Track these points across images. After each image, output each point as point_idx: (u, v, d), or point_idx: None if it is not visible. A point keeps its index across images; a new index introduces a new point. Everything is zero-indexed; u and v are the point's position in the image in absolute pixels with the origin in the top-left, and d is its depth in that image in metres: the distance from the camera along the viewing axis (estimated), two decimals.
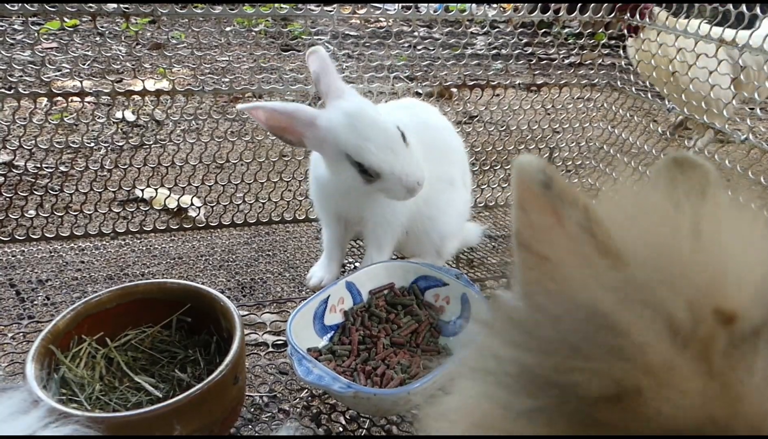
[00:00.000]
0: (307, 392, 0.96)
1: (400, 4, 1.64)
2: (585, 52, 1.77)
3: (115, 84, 1.27)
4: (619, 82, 1.65)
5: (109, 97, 1.25)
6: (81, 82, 1.27)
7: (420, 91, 1.63)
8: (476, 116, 1.83)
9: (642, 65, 1.62)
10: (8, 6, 1.11)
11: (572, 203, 0.30)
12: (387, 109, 1.17)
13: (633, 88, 1.60)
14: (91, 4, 1.14)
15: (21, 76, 1.31)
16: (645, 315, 0.25)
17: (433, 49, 1.57)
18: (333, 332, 1.00)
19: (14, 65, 1.28)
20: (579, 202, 0.30)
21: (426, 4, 1.38)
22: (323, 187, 1.09)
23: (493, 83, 1.54)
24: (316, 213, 1.21)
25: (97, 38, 1.34)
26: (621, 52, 1.65)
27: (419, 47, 1.56)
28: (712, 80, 1.28)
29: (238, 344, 0.80)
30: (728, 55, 1.44)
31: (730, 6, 1.18)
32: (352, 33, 2.69)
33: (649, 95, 1.54)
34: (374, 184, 0.97)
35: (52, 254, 1.33)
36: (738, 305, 0.25)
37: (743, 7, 1.15)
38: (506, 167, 1.68)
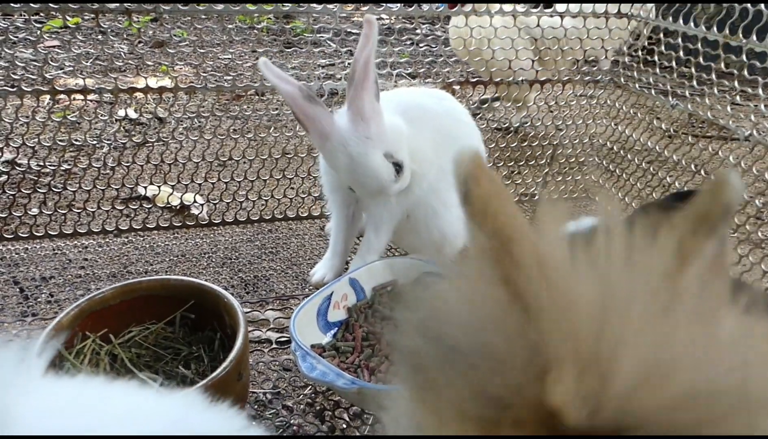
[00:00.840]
0: (310, 389, 0.97)
1: (402, 4, 1.64)
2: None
3: (117, 82, 1.27)
4: (622, 79, 1.64)
5: (111, 95, 1.25)
6: (84, 79, 1.27)
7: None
8: (478, 114, 1.83)
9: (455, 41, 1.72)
10: (12, 4, 1.11)
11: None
12: (413, 94, 1.19)
13: (637, 85, 1.59)
14: (93, 2, 1.14)
15: (23, 75, 1.32)
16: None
17: (436, 47, 1.57)
18: (336, 328, 1.00)
19: (17, 63, 1.29)
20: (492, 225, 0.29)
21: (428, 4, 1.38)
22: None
23: (495, 80, 1.54)
24: (324, 193, 1.23)
25: (99, 36, 1.35)
26: (624, 48, 1.64)
27: (422, 45, 1.56)
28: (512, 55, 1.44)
29: (242, 340, 0.80)
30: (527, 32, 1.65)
31: None
32: (354, 30, 2.69)
33: (653, 92, 1.53)
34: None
35: (56, 251, 1.34)
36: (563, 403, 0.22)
37: None
38: (509, 164, 1.68)
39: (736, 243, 1.26)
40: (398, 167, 1.02)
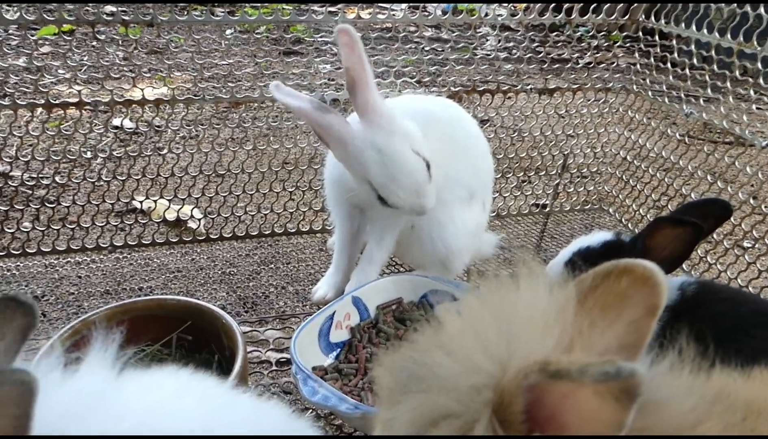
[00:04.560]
0: (312, 413, 0.97)
1: (407, 5, 1.66)
2: (599, 54, 1.78)
3: (113, 93, 1.29)
4: (635, 86, 1.65)
5: (107, 107, 1.27)
6: (79, 92, 1.29)
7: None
8: (487, 121, 1.84)
9: None
10: (5, 15, 1.13)
11: None
12: (418, 101, 1.20)
13: (650, 92, 1.60)
14: (88, 9, 1.16)
15: (17, 85, 1.34)
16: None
17: (442, 52, 1.58)
18: (339, 349, 1.00)
19: (10, 73, 1.31)
20: None
21: (434, 4, 1.39)
22: (339, 180, 1.11)
23: (503, 88, 1.55)
24: (327, 206, 1.23)
25: (94, 42, 1.37)
26: (636, 54, 1.65)
27: (426, 49, 1.57)
28: None
29: (241, 363, 0.81)
30: None
31: None
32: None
33: (666, 99, 1.54)
34: (387, 207, 1.03)
35: (48, 268, 1.35)
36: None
37: None
38: (518, 174, 1.68)
39: (757, 256, 1.26)
40: (427, 165, 1.01)
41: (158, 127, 1.80)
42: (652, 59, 1.56)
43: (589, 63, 1.79)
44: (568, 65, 1.68)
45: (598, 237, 0.97)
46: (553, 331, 0.38)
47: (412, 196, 0.99)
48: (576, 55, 2.31)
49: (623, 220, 1.65)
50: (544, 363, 0.33)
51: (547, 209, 1.70)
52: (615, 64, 1.72)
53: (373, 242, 1.15)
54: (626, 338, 0.41)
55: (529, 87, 1.57)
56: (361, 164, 0.99)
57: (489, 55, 2.13)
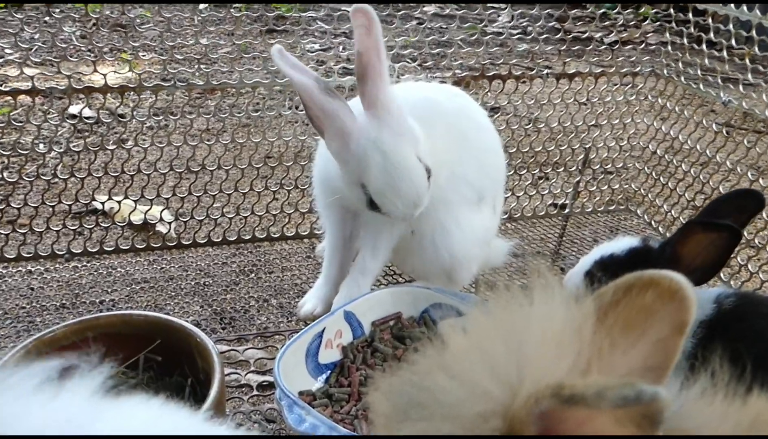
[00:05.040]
0: None
1: None
2: (626, 32, 1.79)
3: (71, 79, 1.29)
4: (666, 70, 1.66)
5: (65, 96, 1.28)
6: (32, 77, 1.30)
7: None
8: (498, 109, 1.85)
9: None
10: None
11: None
12: (421, 89, 1.21)
13: (682, 77, 1.61)
14: None
15: None
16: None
17: (446, 30, 1.59)
18: (329, 371, 1.01)
19: None
20: None
21: None
22: (331, 179, 1.12)
23: (516, 73, 1.56)
24: (317, 208, 1.24)
25: (47, 18, 1.37)
26: (667, 34, 1.66)
27: (429, 28, 1.58)
28: None
29: (218, 388, 0.82)
30: None
31: None
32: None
33: (701, 85, 1.55)
34: (377, 213, 1.04)
35: None
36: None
37: None
38: (533, 171, 1.69)
39: None
40: (428, 173, 1.02)
41: (122, 116, 1.81)
42: (685, 39, 1.58)
43: (614, 43, 1.81)
44: (591, 46, 1.69)
45: (622, 243, 0.98)
46: (569, 351, 0.39)
47: (410, 207, 1.01)
48: (600, 34, 2.33)
49: (653, 222, 1.67)
50: (558, 387, 0.34)
51: (567, 210, 1.71)
52: (643, 45, 1.74)
53: (367, 250, 1.16)
54: (651, 358, 0.42)
55: (545, 72, 1.59)
56: (361, 166, 1.01)
57: (500, 33, 2.15)
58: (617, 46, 1.72)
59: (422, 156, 1.02)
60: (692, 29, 1.56)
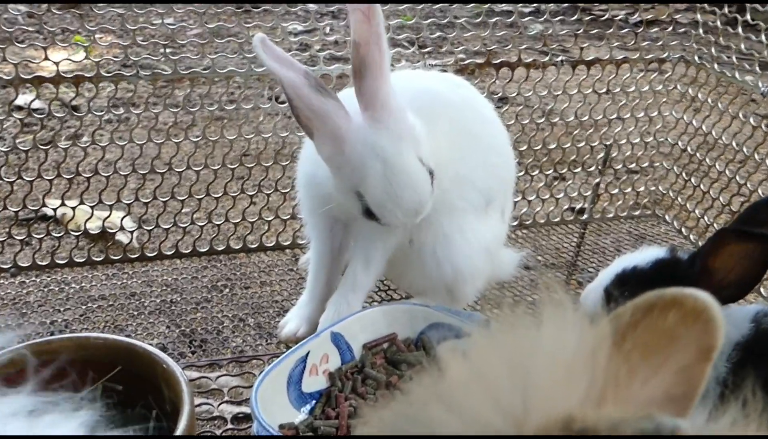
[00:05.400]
0: None
1: None
2: (652, 10, 1.81)
3: (17, 66, 1.30)
4: (696, 57, 1.68)
5: (11, 86, 1.29)
6: None
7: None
8: (506, 100, 1.87)
9: None
10: None
11: None
12: (420, 78, 1.23)
13: (716, 64, 1.63)
14: None
15: None
16: None
17: (448, 9, 1.60)
18: (314, 401, 1.02)
19: None
20: None
21: None
22: (318, 184, 1.12)
23: (527, 60, 1.57)
24: (301, 215, 1.25)
25: None
26: (698, 14, 1.68)
27: (428, 6, 1.60)
28: None
29: (187, 421, 0.82)
30: None
31: None
32: None
33: (738, 73, 1.57)
34: (375, 222, 1.06)
35: None
36: None
37: None
38: (547, 171, 1.71)
39: None
40: (431, 176, 1.03)
41: (77, 108, 1.81)
42: (719, 21, 1.60)
43: (639, 23, 1.83)
44: (611, 29, 1.71)
45: (647, 254, 0.99)
46: (581, 380, 0.40)
47: (411, 216, 1.03)
48: (623, 13, 2.35)
49: (683, 229, 1.68)
50: (568, 420, 0.35)
51: (585, 216, 1.73)
52: (672, 27, 1.75)
53: (358, 262, 1.17)
54: (674, 388, 0.43)
55: (560, 58, 1.60)
56: (357, 173, 1.01)
57: (509, 13, 2.16)
58: (642, 29, 1.73)
59: (425, 157, 1.03)
60: (726, 9, 1.58)
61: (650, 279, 0.95)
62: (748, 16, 1.53)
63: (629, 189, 1.78)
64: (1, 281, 1.41)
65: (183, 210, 1.51)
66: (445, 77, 1.28)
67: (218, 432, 1.08)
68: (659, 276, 0.95)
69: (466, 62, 1.54)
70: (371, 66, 0.98)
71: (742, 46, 1.55)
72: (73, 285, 1.41)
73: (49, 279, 1.42)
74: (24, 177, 1.41)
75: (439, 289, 1.20)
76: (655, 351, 0.43)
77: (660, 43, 1.70)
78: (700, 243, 1.58)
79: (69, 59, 1.50)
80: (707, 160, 1.65)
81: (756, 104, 2.14)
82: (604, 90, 1.70)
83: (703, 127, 1.66)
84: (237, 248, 1.52)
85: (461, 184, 1.15)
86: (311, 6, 1.56)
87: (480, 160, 1.18)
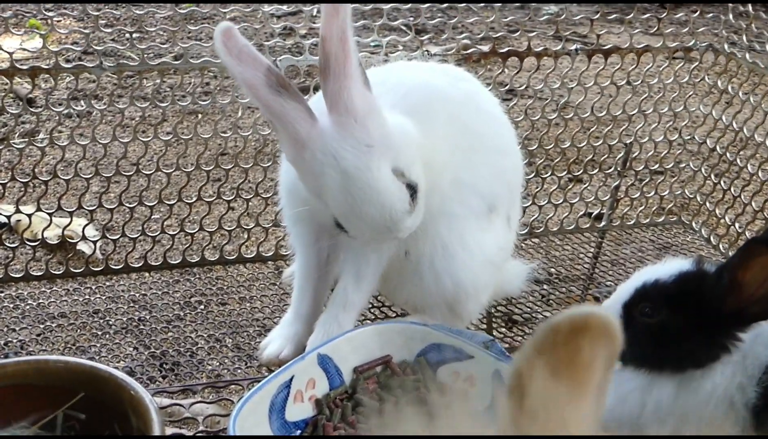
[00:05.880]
0: None
1: None
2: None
3: None
4: (726, 45, 1.70)
5: None
6: None
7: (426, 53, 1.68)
8: (514, 93, 1.88)
9: None
10: None
11: None
12: (415, 71, 1.25)
13: (747, 54, 1.65)
14: None
15: None
16: None
17: None
18: (300, 431, 1.02)
19: None
20: None
21: None
22: (301, 188, 1.13)
23: (537, 49, 1.59)
24: (284, 223, 1.26)
25: None
26: None
27: None
28: None
29: None
30: None
31: None
32: None
33: None
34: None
35: None
36: None
37: None
38: (560, 173, 1.72)
39: None
40: (413, 191, 1.04)
41: (32, 101, 1.82)
42: (749, 6, 1.61)
43: (662, 6, 1.84)
44: (631, 14, 1.72)
45: (671, 266, 1.01)
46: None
47: (383, 232, 1.03)
48: None
49: (712, 238, 1.70)
50: None
51: (603, 223, 1.74)
52: (699, 11, 1.76)
53: (349, 277, 1.18)
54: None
55: (575, 47, 1.61)
56: (317, 181, 1.03)
57: None
58: (665, 14, 1.74)
59: (405, 169, 1.03)
60: None
61: (673, 295, 0.96)
62: None
63: (652, 193, 1.79)
64: None
65: (152, 217, 1.52)
66: (444, 69, 1.29)
67: None
68: (683, 291, 0.96)
69: (469, 51, 1.55)
70: (336, 63, 0.99)
71: None
72: (29, 301, 1.41)
73: (2, 294, 1.42)
74: None
75: (439, 305, 1.21)
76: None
77: (686, 29, 1.71)
78: (731, 253, 1.59)
79: (23, 48, 1.51)
80: (739, 160, 1.67)
81: None
82: (624, 81, 1.70)
83: (735, 124, 1.67)
84: (213, 259, 1.53)
85: (462, 189, 1.17)
86: None
87: (483, 161, 1.19)
